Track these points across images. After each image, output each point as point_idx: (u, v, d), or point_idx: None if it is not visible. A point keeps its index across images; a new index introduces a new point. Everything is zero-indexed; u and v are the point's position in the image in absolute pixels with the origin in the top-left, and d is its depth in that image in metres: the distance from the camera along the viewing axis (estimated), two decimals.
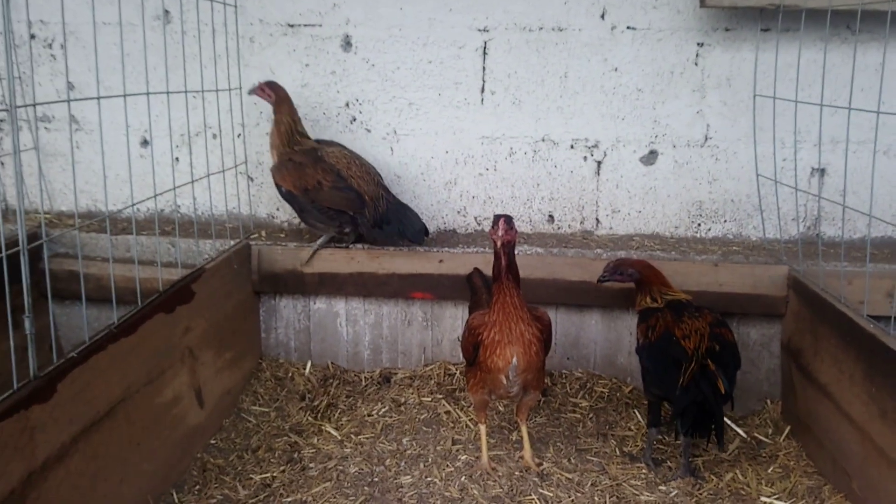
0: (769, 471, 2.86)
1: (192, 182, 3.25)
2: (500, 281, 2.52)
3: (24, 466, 1.92)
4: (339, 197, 3.34)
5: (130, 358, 2.46)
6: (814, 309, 2.96)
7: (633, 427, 3.15)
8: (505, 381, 2.59)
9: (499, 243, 2.48)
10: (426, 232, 3.51)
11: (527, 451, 2.84)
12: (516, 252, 3.45)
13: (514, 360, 2.53)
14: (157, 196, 2.92)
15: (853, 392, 2.59)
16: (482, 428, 2.83)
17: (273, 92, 3.36)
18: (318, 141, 3.49)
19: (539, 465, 2.84)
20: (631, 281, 3.03)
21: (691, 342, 2.69)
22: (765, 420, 3.21)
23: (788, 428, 3.11)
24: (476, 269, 3.30)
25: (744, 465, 2.89)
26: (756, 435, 3.11)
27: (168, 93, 2.86)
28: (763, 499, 2.66)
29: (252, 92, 3.38)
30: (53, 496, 2.03)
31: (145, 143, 3.72)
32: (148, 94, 2.73)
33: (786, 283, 3.22)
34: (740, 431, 3.13)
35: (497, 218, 2.48)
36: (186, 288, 2.88)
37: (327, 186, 3.32)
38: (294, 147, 3.36)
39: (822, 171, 3.54)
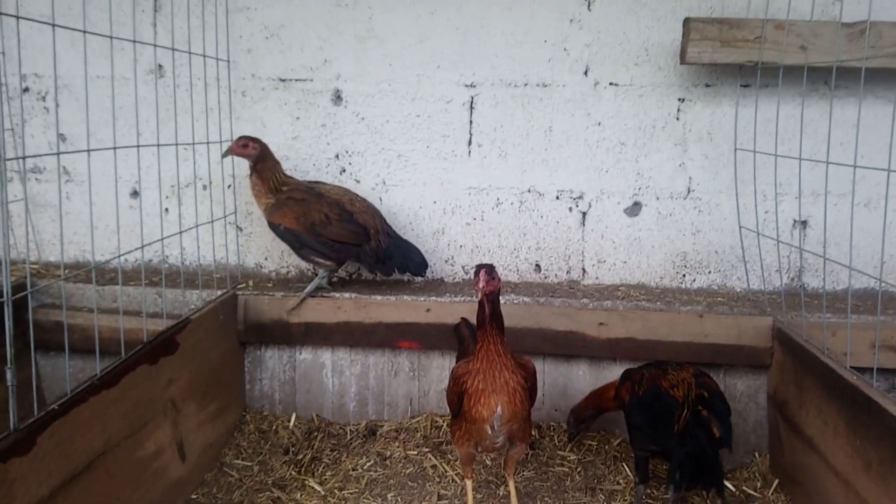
0: None
1: (181, 233, 3.26)
2: (484, 328, 2.51)
3: None
4: (345, 230, 3.38)
5: (112, 410, 2.44)
6: (798, 360, 2.97)
7: (621, 481, 3.12)
8: (490, 432, 2.55)
9: (479, 294, 2.47)
10: (426, 265, 3.57)
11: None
12: (502, 301, 3.49)
13: (499, 409, 2.49)
14: (146, 247, 2.93)
15: (838, 444, 2.59)
16: (468, 483, 2.79)
17: (258, 144, 3.38)
18: (308, 182, 3.53)
19: None
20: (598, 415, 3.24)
21: (680, 391, 2.70)
22: (753, 473, 3.19)
23: (776, 481, 3.08)
24: (463, 319, 3.31)
25: None
26: (745, 488, 3.08)
27: (159, 145, 2.90)
28: None
29: (228, 154, 3.38)
30: None
31: (135, 193, 3.75)
32: (139, 146, 2.76)
33: (770, 333, 3.23)
34: (729, 485, 3.10)
35: (479, 268, 2.47)
36: (171, 339, 2.87)
37: (335, 220, 3.36)
38: (283, 188, 3.39)
39: (804, 223, 3.59)
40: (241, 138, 3.37)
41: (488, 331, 2.50)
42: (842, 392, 2.59)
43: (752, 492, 3.06)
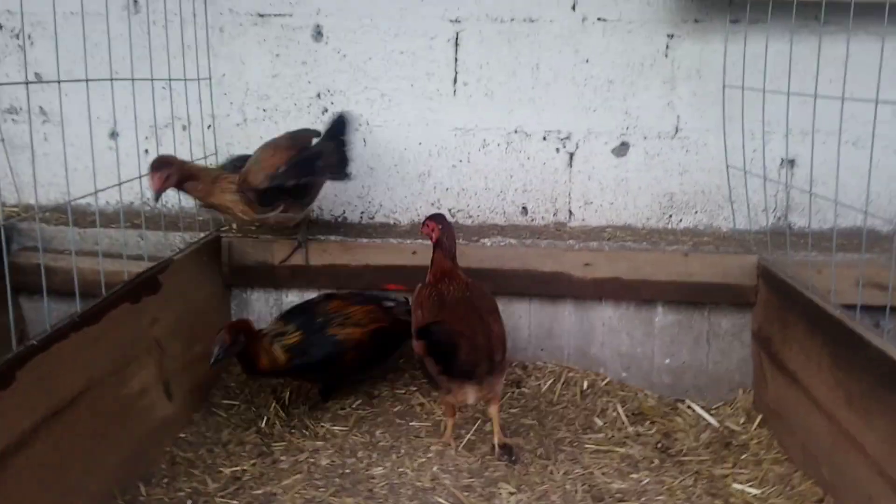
0: (741, 459, 2.87)
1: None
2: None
3: None
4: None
5: (94, 348, 2.41)
6: (782, 297, 2.98)
7: (607, 416, 3.16)
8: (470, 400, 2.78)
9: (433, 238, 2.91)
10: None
11: (496, 432, 2.85)
12: (488, 243, 3.49)
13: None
14: (124, 185, 2.88)
15: (820, 378, 2.61)
16: (450, 421, 2.90)
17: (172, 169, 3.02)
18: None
19: (510, 441, 2.87)
20: None
21: None
22: (737, 409, 3.23)
23: (760, 416, 3.12)
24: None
25: (716, 454, 2.90)
26: (728, 424, 3.12)
27: (133, 79, 2.82)
28: (735, 486, 2.67)
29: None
30: (14, 486, 1.98)
31: (113, 134, 3.67)
32: (112, 79, 2.69)
33: (755, 272, 3.24)
34: (712, 420, 3.14)
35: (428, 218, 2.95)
36: (153, 278, 2.84)
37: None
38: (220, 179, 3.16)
39: (792, 162, 3.57)
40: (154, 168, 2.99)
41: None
42: (825, 326, 2.60)
43: (735, 427, 3.10)
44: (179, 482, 2.65)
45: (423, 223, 3.00)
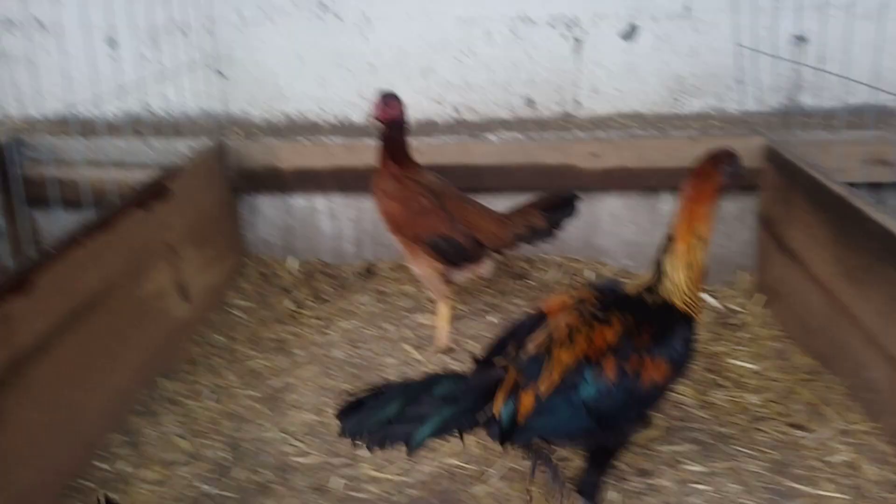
0: (740, 337, 2.93)
1: (160, 78, 3.18)
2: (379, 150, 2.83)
3: (7, 355, 1.99)
4: None
5: (109, 253, 2.50)
6: (787, 177, 2.96)
7: None
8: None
9: (378, 119, 2.77)
10: None
11: (438, 330, 2.95)
12: (493, 138, 3.46)
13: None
14: (127, 95, 2.88)
15: (821, 255, 2.63)
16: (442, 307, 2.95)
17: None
18: None
19: (443, 344, 2.93)
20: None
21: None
22: (738, 290, 3.26)
23: (761, 296, 3.17)
24: None
25: (715, 333, 2.96)
26: (728, 305, 3.17)
27: None
28: (731, 362, 2.75)
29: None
30: (39, 383, 2.11)
31: (112, 42, 3.64)
32: None
33: (762, 154, 3.20)
34: (714, 301, 3.19)
35: (379, 96, 2.74)
36: (162, 185, 2.90)
37: None
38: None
39: (803, 39, 3.44)
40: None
41: (379, 149, 2.84)
42: (827, 203, 2.59)
43: (736, 308, 3.15)
44: (199, 376, 2.80)
45: (380, 104, 2.73)
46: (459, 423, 1.78)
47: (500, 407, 1.78)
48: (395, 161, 2.84)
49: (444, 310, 2.94)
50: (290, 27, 3.60)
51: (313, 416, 2.55)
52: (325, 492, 2.20)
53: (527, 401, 1.76)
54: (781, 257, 2.97)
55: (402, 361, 2.86)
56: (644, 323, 1.83)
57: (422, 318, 3.17)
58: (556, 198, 2.89)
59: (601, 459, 1.91)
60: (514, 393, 1.78)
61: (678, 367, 1.83)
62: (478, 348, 2.90)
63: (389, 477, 2.24)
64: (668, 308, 1.88)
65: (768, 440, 2.32)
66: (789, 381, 2.60)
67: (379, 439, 1.76)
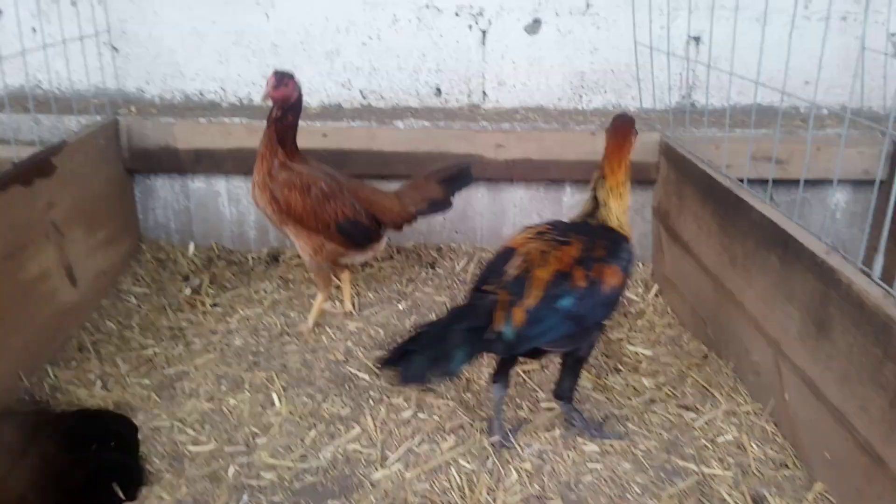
0: (636, 324, 3.05)
1: (45, 47, 2.99)
2: (265, 130, 2.70)
3: None
4: None
5: None
6: (680, 171, 3.09)
7: None
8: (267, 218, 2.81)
9: (270, 102, 2.64)
10: None
11: (311, 315, 2.95)
12: (401, 125, 3.44)
13: (251, 193, 2.78)
14: (9, 66, 2.69)
15: (709, 245, 2.76)
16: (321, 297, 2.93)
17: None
18: None
19: (311, 327, 2.94)
20: None
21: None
22: (635, 281, 3.39)
23: (656, 286, 3.30)
24: None
25: (614, 321, 3.06)
26: (628, 294, 3.29)
27: None
28: (628, 348, 2.85)
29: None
30: None
31: None
32: None
33: (658, 149, 3.33)
34: None
35: (273, 74, 2.60)
36: (46, 161, 2.72)
37: None
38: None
39: (697, 39, 3.61)
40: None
41: (266, 132, 2.70)
42: (715, 195, 2.73)
43: (634, 297, 3.27)
44: (89, 364, 2.65)
45: (274, 82, 2.60)
46: (481, 344, 2.01)
47: (501, 324, 1.99)
48: (284, 147, 2.70)
49: (322, 298, 2.93)
50: (188, 1, 3.46)
51: (208, 405, 2.46)
52: (219, 480, 2.13)
53: (518, 315, 2.00)
54: (675, 248, 3.11)
55: (306, 349, 2.80)
56: (596, 240, 2.16)
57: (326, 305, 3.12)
58: (452, 168, 2.96)
59: (575, 366, 2.26)
60: (508, 310, 2.00)
61: (627, 274, 2.17)
62: (386, 336, 2.89)
63: (287, 464, 2.19)
64: (608, 229, 2.24)
65: (660, 421, 2.42)
66: (681, 366, 2.72)
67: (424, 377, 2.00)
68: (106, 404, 2.44)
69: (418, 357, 1.95)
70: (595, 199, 2.29)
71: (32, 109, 3.07)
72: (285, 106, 2.65)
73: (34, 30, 3.43)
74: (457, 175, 2.95)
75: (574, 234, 2.18)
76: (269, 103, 2.66)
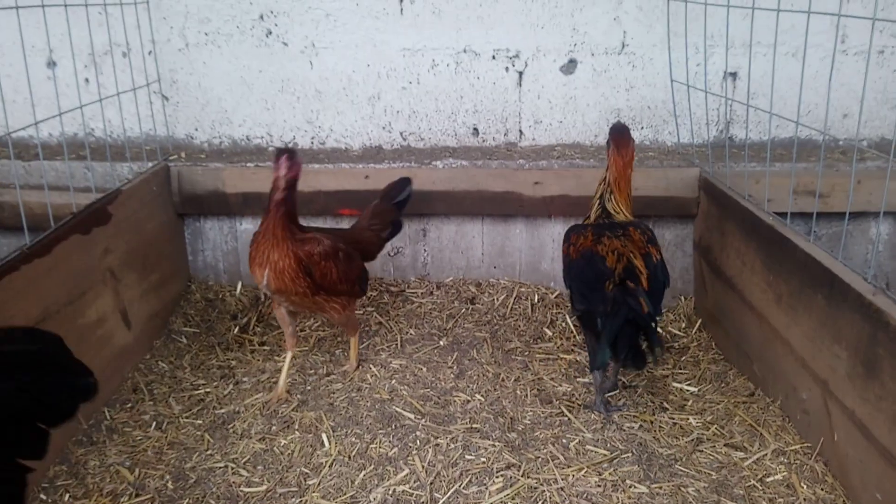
0: (681, 360, 3.04)
1: (101, 100, 3.13)
2: (269, 210, 2.58)
3: None
4: None
5: (47, 279, 2.43)
6: (721, 207, 3.10)
7: (556, 326, 3.30)
8: (272, 297, 2.75)
9: (281, 182, 2.53)
10: None
11: (352, 356, 2.98)
12: (440, 165, 3.52)
13: (265, 280, 2.61)
14: (66, 117, 2.83)
15: (754, 282, 2.76)
16: (287, 355, 2.85)
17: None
18: None
19: (355, 367, 2.96)
20: None
21: (611, 259, 2.52)
22: (679, 315, 3.39)
23: (700, 321, 3.30)
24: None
25: (658, 357, 3.06)
26: (671, 329, 3.29)
27: (66, 5, 2.73)
28: (674, 385, 2.85)
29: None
30: None
31: (51, 64, 3.56)
32: (44, 6, 2.60)
33: (697, 184, 3.35)
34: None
35: (279, 153, 2.53)
36: (102, 209, 2.84)
37: None
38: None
39: (734, 75, 3.64)
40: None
41: (272, 211, 2.57)
42: (759, 232, 2.73)
43: (677, 332, 3.27)
44: (144, 406, 2.73)
45: (285, 162, 2.52)
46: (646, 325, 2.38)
47: (647, 306, 2.36)
48: (295, 223, 2.64)
49: (356, 339, 2.99)
50: (236, 51, 3.60)
51: (260, 445, 2.51)
52: None
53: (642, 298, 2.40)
54: (718, 283, 3.11)
55: (351, 388, 2.85)
56: (637, 227, 2.66)
57: (376, 339, 3.18)
58: (394, 187, 3.16)
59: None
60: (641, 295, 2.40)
61: (660, 251, 2.63)
62: (429, 373, 2.92)
63: None
64: (630, 221, 2.71)
65: (709, 461, 2.41)
66: (728, 404, 2.71)
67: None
68: (161, 444, 2.51)
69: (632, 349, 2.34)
70: (604, 208, 2.71)
71: (88, 157, 3.20)
72: (292, 184, 2.57)
73: (87, 80, 3.59)
74: (400, 190, 3.14)
75: (619, 227, 2.63)
76: (281, 185, 2.53)
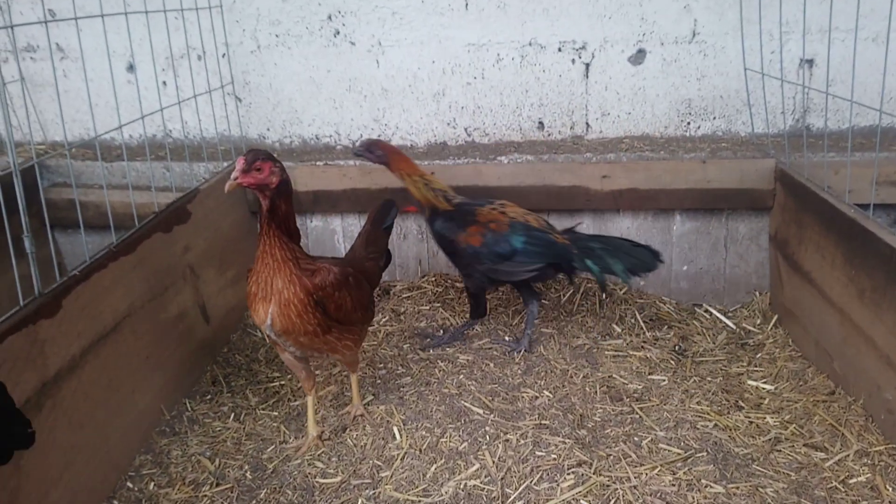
0: (756, 357, 2.96)
1: (179, 103, 3.25)
2: (262, 228, 2.19)
3: (37, 377, 2.03)
4: None
5: (132, 275, 2.55)
6: (798, 199, 3.00)
7: (625, 323, 3.26)
8: (275, 339, 2.34)
9: (226, 186, 2.13)
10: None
11: (354, 398, 2.69)
12: (505, 160, 3.51)
13: (269, 319, 2.24)
14: (145, 118, 2.94)
15: (834, 276, 2.67)
16: (308, 399, 2.54)
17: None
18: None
19: (360, 413, 2.67)
20: (380, 162, 3.06)
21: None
22: (753, 311, 3.30)
23: (775, 317, 3.20)
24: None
25: (732, 354, 3.00)
26: (745, 325, 3.21)
27: (147, 11, 2.84)
28: (749, 382, 2.78)
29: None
30: (68, 404, 2.15)
31: (131, 68, 3.71)
32: (126, 13, 2.71)
33: (773, 176, 3.25)
34: (729, 323, 3.23)
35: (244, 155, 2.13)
36: (182, 208, 2.95)
37: None
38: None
39: (810, 62, 3.51)
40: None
41: (265, 231, 2.18)
42: (840, 225, 2.64)
43: (751, 328, 3.19)
44: (222, 397, 2.83)
45: (255, 162, 2.11)
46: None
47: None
48: (297, 243, 2.28)
49: (357, 375, 2.70)
50: (305, 52, 3.67)
51: (333, 437, 2.57)
52: None
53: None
54: (795, 278, 3.01)
55: (420, 382, 2.89)
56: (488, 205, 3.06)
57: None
58: (380, 212, 2.87)
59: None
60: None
61: None
62: (496, 369, 2.93)
63: (412, 498, 2.26)
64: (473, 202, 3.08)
65: (787, 462, 2.35)
66: (807, 402, 2.63)
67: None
68: (239, 435, 2.60)
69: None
70: (438, 191, 3.02)
71: (168, 157, 3.32)
72: (269, 193, 2.15)
73: (164, 83, 3.72)
74: (386, 214, 2.88)
75: (480, 205, 3.05)
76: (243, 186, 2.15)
